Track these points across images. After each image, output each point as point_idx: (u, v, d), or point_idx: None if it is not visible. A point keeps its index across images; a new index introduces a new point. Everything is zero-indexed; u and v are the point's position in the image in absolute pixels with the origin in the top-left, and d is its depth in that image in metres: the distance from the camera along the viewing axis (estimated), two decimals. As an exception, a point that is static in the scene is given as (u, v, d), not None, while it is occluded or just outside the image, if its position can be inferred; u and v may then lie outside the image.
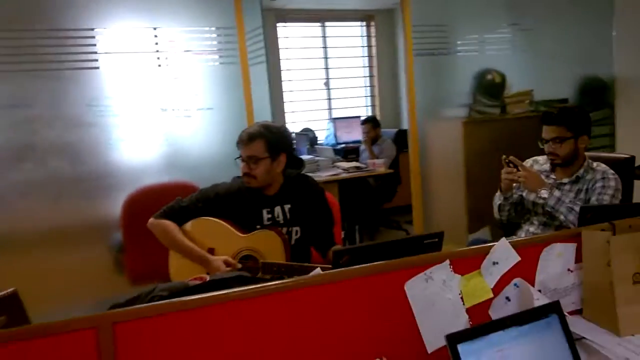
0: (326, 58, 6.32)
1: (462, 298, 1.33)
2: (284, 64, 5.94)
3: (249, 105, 3.16)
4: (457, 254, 1.35)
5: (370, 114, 6.44)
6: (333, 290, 1.23)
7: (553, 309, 1.20)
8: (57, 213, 2.86)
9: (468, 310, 1.34)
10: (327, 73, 6.33)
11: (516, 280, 1.39)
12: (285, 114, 5.98)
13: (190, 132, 3.08)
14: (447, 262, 1.33)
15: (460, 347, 1.09)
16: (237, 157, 2.21)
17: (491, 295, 1.37)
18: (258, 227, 2.19)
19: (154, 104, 2.99)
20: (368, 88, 6.35)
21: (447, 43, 3.84)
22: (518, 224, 2.68)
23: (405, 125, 4.78)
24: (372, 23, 6.33)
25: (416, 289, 1.29)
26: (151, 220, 2.17)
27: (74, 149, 2.88)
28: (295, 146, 4.24)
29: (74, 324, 1.02)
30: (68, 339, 1.00)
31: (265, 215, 2.22)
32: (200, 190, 2.26)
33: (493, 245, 1.37)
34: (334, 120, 6.03)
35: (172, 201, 2.21)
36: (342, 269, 1.29)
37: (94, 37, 2.86)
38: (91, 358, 1.02)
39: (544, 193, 2.42)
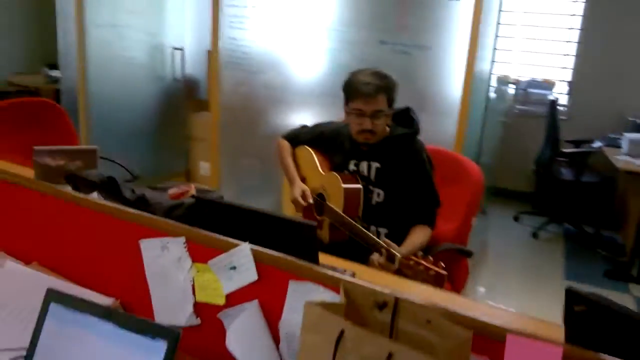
0: None
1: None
2: None
3: (473, 47, 2.76)
4: (195, 236, 1.14)
5: None
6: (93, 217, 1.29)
7: (166, 334, 0.93)
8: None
9: (197, 305, 1.14)
10: None
11: (246, 304, 1.07)
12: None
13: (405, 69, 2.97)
14: (183, 239, 1.15)
15: (54, 306, 1.03)
16: (353, 111, 1.98)
17: (222, 302, 1.11)
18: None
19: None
20: None
21: None
22: None
23: None
24: None
25: (151, 252, 1.19)
26: (279, 138, 2.39)
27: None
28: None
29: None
30: None
31: (352, 167, 2.11)
32: (317, 123, 2.32)
33: (235, 245, 1.08)
34: None
35: (299, 126, 2.37)
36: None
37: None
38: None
39: None
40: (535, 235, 4.28)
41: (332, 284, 0.97)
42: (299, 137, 2.31)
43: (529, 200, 4.94)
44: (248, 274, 1.06)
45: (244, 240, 1.10)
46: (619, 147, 4.21)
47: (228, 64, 3.43)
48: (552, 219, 4.44)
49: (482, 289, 3.38)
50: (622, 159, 3.91)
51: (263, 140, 3.46)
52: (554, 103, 4.34)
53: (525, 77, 5.16)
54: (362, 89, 1.93)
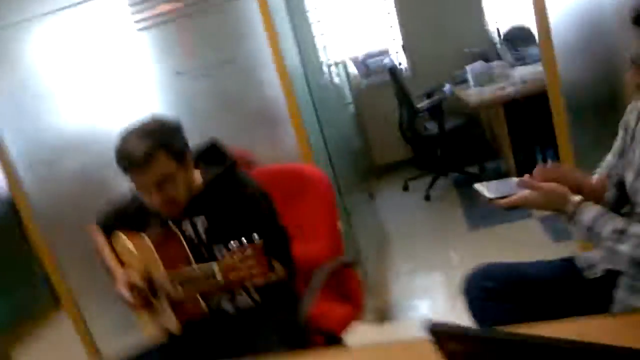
0: None
1: None
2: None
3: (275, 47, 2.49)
4: None
5: None
6: None
7: None
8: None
9: None
10: None
11: None
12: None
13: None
14: None
15: None
16: (134, 189, 1.59)
17: None
18: None
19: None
20: None
21: None
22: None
23: None
24: None
25: None
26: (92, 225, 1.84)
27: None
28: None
29: None
30: None
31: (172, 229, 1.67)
32: (112, 200, 1.84)
33: None
34: None
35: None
36: None
37: None
38: None
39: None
40: (427, 197, 4.16)
41: None
42: (107, 218, 1.81)
43: (414, 166, 4.85)
44: None
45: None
46: (467, 82, 4.18)
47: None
48: (437, 174, 4.34)
49: (407, 266, 3.20)
50: (472, 93, 3.86)
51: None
52: (392, 68, 4.25)
53: (359, 53, 5.09)
54: (130, 159, 1.50)
